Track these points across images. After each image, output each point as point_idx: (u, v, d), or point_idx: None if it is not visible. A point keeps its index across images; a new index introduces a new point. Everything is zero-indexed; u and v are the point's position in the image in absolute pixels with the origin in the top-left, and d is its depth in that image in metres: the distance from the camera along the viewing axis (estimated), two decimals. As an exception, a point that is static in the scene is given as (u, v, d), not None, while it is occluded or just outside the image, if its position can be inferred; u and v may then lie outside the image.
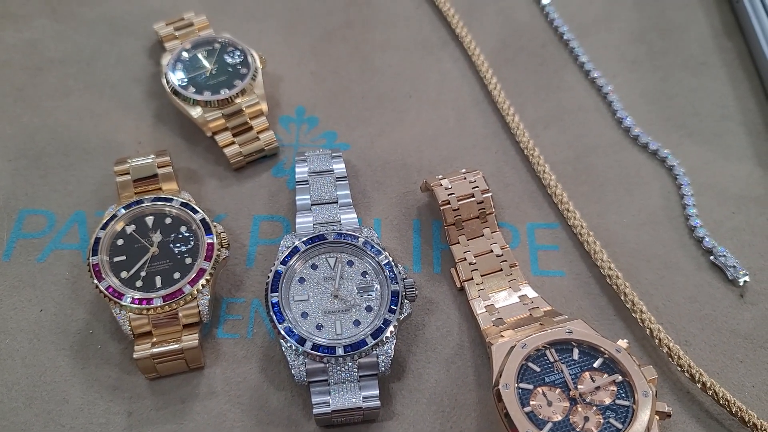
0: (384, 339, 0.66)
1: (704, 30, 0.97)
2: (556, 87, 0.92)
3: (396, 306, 0.68)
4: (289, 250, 0.71)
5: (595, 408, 0.62)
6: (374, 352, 0.66)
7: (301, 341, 0.66)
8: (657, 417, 0.61)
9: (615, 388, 0.63)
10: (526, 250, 0.79)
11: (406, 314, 0.69)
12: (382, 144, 0.87)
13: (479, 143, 0.87)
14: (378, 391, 0.66)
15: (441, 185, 0.77)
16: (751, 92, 0.91)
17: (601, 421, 0.61)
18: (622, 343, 0.65)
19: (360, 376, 0.66)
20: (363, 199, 0.82)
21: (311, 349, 0.65)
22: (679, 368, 0.69)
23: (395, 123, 0.88)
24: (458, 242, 0.76)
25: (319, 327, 0.68)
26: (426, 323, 0.74)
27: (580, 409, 0.62)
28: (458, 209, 0.76)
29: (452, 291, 0.76)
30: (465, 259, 0.75)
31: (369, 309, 0.69)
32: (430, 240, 0.80)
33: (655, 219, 0.81)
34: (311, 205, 0.76)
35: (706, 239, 0.78)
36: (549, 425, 0.60)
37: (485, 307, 0.72)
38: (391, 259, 0.71)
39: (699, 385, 0.68)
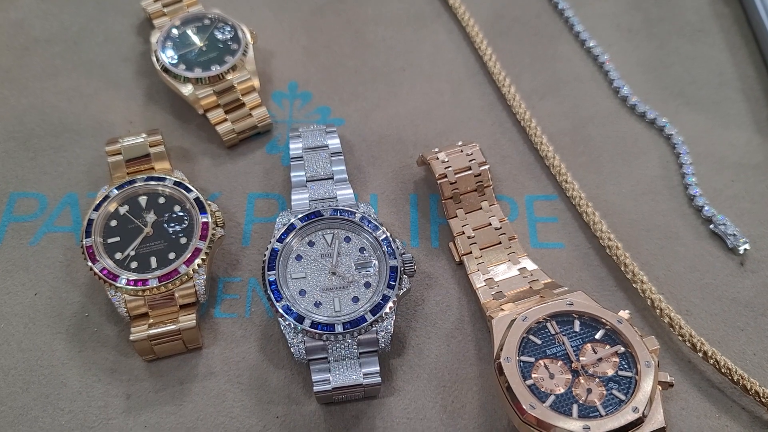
0: (383, 315, 0.66)
1: (701, -4, 0.96)
2: (551, 57, 0.91)
3: (395, 282, 0.67)
4: (285, 227, 0.70)
5: (597, 380, 0.61)
6: (374, 328, 0.66)
7: (300, 319, 0.65)
8: (659, 387, 0.61)
9: (617, 360, 0.62)
10: (524, 222, 0.78)
11: (404, 290, 0.68)
12: (376, 118, 0.85)
13: (475, 115, 0.86)
14: (378, 368, 0.66)
15: (437, 159, 0.76)
16: (749, 58, 0.90)
17: (604, 392, 0.61)
18: (624, 314, 0.65)
19: (360, 353, 0.66)
20: (359, 174, 0.81)
21: (310, 327, 0.65)
22: (680, 338, 0.69)
23: (389, 97, 0.87)
24: (456, 216, 0.75)
25: (317, 304, 0.67)
26: (425, 298, 0.74)
27: (582, 381, 0.61)
28: (455, 182, 0.75)
29: (451, 265, 0.75)
30: (463, 233, 0.74)
31: (367, 285, 0.68)
32: (427, 214, 0.79)
33: (654, 189, 0.80)
34: (307, 181, 0.75)
35: (706, 208, 0.78)
36: (551, 398, 0.60)
37: (485, 280, 0.72)
38: (388, 234, 0.70)
39: (700, 354, 0.68)
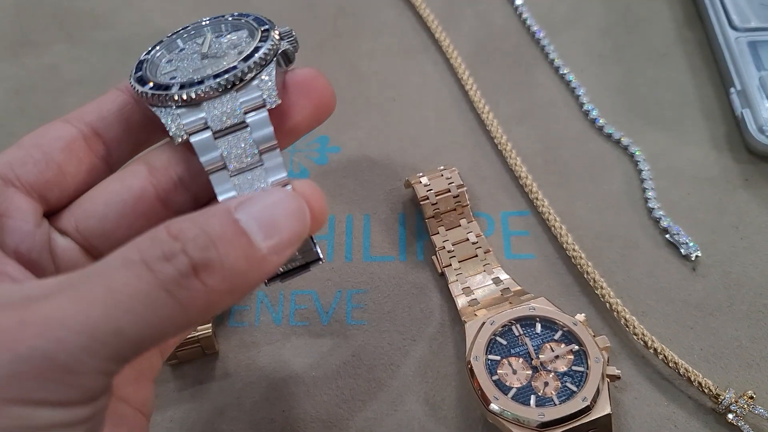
0: (257, 61, 0.52)
1: (667, 22, 1.05)
2: (528, 84, 1.01)
3: (267, 36, 0.56)
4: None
5: (553, 374, 0.71)
6: (253, 82, 0.52)
7: (166, 88, 0.51)
8: (608, 379, 0.71)
9: (572, 357, 0.72)
10: (500, 236, 0.88)
11: (282, 49, 0.57)
12: (369, 145, 0.96)
13: (457, 140, 0.96)
14: (285, 173, 0.51)
15: (420, 182, 0.86)
16: (709, 80, 0.99)
17: (559, 385, 0.70)
18: (580, 317, 0.75)
19: (259, 151, 0.51)
20: (353, 197, 0.92)
21: (179, 89, 0.51)
22: (634, 336, 0.78)
23: (381, 125, 0.98)
24: (438, 232, 0.85)
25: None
26: (412, 305, 0.84)
27: (541, 375, 0.71)
28: (436, 203, 0.85)
29: (434, 276, 0.86)
30: (444, 248, 0.84)
31: (240, 52, 0.55)
32: (414, 231, 0.89)
33: (617, 203, 0.90)
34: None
35: (663, 219, 0.87)
36: (513, 390, 0.70)
37: (462, 289, 0.82)
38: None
39: (651, 351, 0.77)
